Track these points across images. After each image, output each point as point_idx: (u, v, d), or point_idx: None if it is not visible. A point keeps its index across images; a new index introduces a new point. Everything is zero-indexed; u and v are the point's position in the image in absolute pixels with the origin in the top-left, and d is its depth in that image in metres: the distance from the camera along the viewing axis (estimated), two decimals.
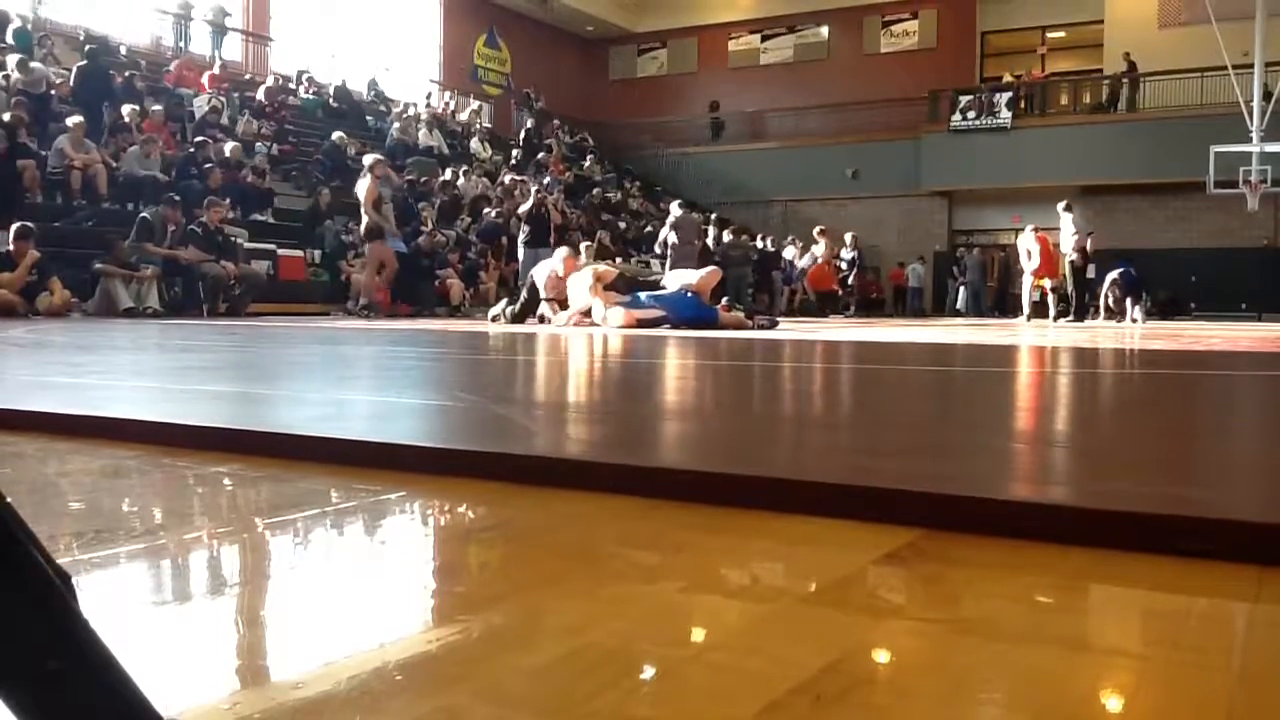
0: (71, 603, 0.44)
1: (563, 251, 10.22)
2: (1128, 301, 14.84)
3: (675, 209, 14.36)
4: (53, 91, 12.86)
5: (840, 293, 19.45)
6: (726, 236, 18.04)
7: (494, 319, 10.14)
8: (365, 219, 12.19)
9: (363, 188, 12.17)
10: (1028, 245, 14.38)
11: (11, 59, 12.63)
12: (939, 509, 1.14)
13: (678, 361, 4.48)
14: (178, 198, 11.52)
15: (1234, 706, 0.66)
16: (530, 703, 0.68)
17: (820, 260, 18.71)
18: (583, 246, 14.55)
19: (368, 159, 12.85)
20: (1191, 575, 0.96)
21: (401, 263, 14.05)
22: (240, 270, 11.83)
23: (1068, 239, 14.23)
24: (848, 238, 19.82)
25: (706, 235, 18.01)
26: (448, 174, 17.92)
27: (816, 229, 19.91)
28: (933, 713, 0.66)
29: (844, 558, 1.04)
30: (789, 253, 19.78)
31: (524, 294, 10.24)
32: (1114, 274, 15.20)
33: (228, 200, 12.51)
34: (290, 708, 0.65)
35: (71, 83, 13.52)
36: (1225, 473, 1.54)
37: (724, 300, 9.46)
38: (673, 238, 13.49)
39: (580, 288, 9.00)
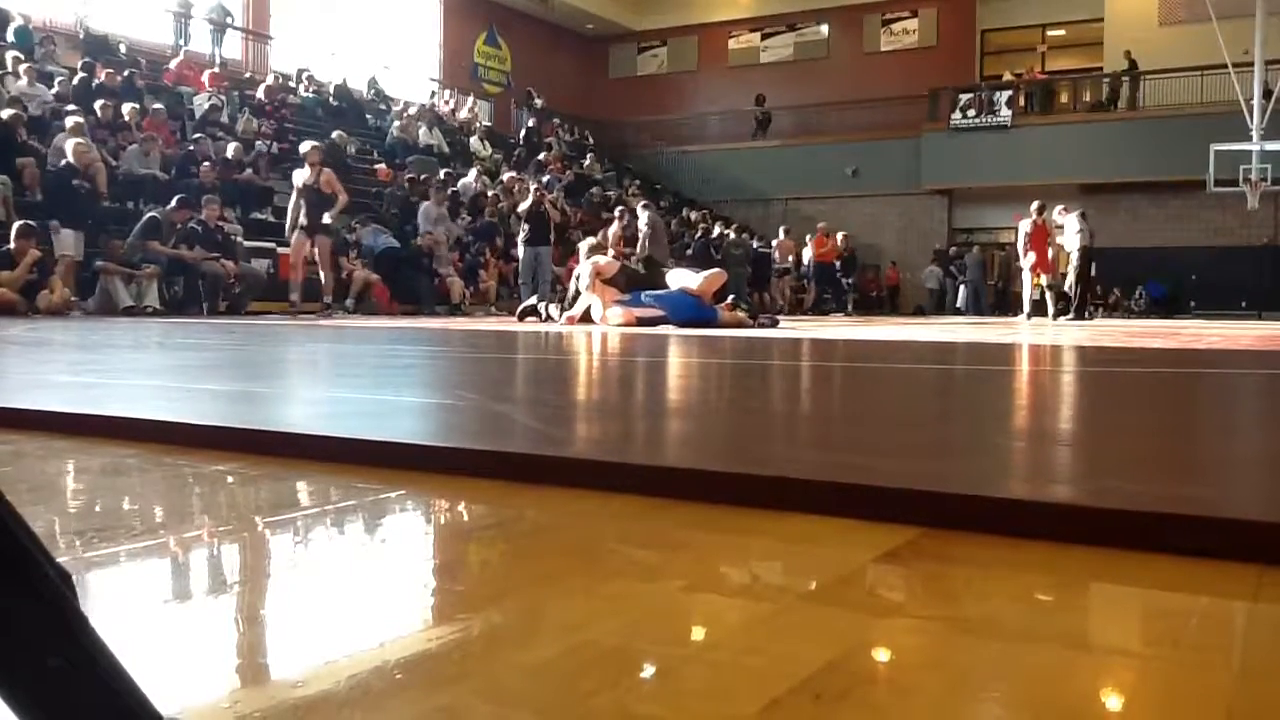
0: (72, 601, 0.44)
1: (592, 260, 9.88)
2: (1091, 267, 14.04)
3: (643, 214, 14.25)
4: (49, 103, 12.82)
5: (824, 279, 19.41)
6: (722, 235, 18.06)
7: (523, 315, 10.03)
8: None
9: (299, 178, 11.74)
10: (1023, 233, 14.28)
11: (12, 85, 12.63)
12: (939, 507, 1.14)
13: (678, 360, 4.48)
14: (186, 197, 11.52)
15: (1234, 706, 0.66)
16: (530, 701, 0.68)
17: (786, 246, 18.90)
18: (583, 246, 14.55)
19: (303, 146, 12.25)
20: (1191, 575, 0.96)
21: (399, 261, 14.05)
22: (240, 269, 11.83)
23: (1071, 237, 14.21)
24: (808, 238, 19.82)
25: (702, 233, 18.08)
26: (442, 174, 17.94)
27: (781, 228, 20.11)
28: (933, 711, 0.66)
29: (844, 556, 1.04)
30: (806, 253, 19.74)
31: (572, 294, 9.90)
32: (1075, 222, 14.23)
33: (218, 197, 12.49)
34: (290, 706, 0.65)
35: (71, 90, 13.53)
36: (1225, 472, 1.54)
37: (729, 299, 9.38)
38: (648, 243, 13.37)
39: (580, 283, 8.98)
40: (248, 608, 0.90)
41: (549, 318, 9.46)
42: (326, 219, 11.77)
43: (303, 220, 11.62)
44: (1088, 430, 2.13)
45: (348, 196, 11.93)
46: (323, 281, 11.88)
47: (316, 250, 11.69)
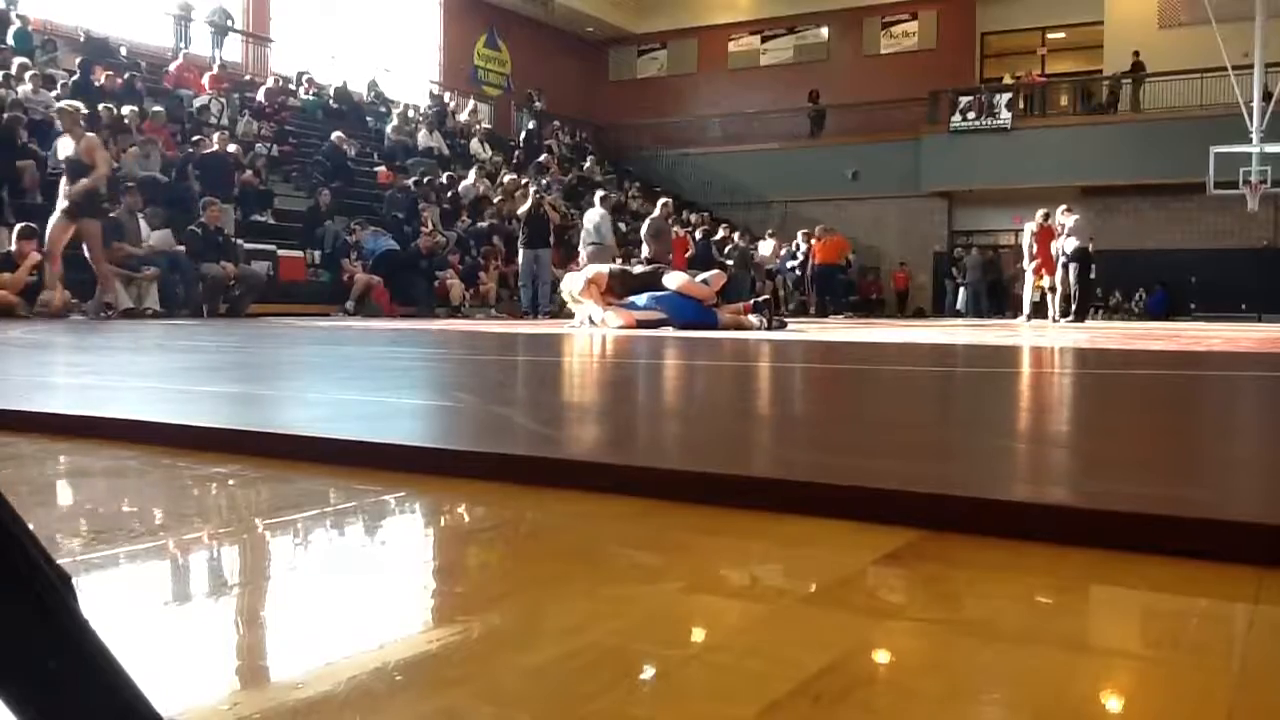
0: (71, 603, 0.44)
1: (590, 269, 9.50)
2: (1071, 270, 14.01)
3: (659, 209, 14.12)
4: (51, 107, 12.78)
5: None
6: (726, 238, 18.01)
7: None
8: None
9: (61, 150, 9.66)
10: (1029, 234, 14.43)
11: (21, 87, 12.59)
12: (939, 509, 1.14)
13: (678, 363, 4.48)
14: (131, 184, 11.32)
15: (1234, 707, 0.66)
16: (530, 703, 0.68)
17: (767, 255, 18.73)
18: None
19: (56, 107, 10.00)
20: (1191, 576, 0.96)
21: (399, 262, 14.04)
22: (240, 271, 11.84)
23: (1070, 239, 14.24)
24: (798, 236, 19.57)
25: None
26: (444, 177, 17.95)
27: (768, 231, 20.06)
28: (933, 713, 0.66)
29: (844, 558, 1.04)
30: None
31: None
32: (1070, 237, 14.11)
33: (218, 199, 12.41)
34: (290, 708, 0.65)
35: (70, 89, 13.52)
36: (1225, 473, 1.54)
37: (748, 302, 9.37)
38: (650, 248, 13.24)
39: (578, 290, 8.98)
40: (247, 609, 0.90)
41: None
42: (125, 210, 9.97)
43: (63, 201, 9.29)
44: (1088, 432, 2.13)
45: (109, 170, 9.81)
46: (98, 277, 9.58)
47: (84, 239, 9.35)
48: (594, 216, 13.43)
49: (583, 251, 12.92)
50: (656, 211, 13.92)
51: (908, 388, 3.55)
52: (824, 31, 27.17)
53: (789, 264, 19.35)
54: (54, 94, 13.12)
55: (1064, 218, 14.33)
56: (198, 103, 15.60)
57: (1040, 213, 14.44)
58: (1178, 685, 0.71)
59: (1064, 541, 1.05)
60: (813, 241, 18.86)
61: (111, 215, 10.81)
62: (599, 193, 14.94)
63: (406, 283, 13.99)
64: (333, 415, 2.23)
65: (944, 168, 22.91)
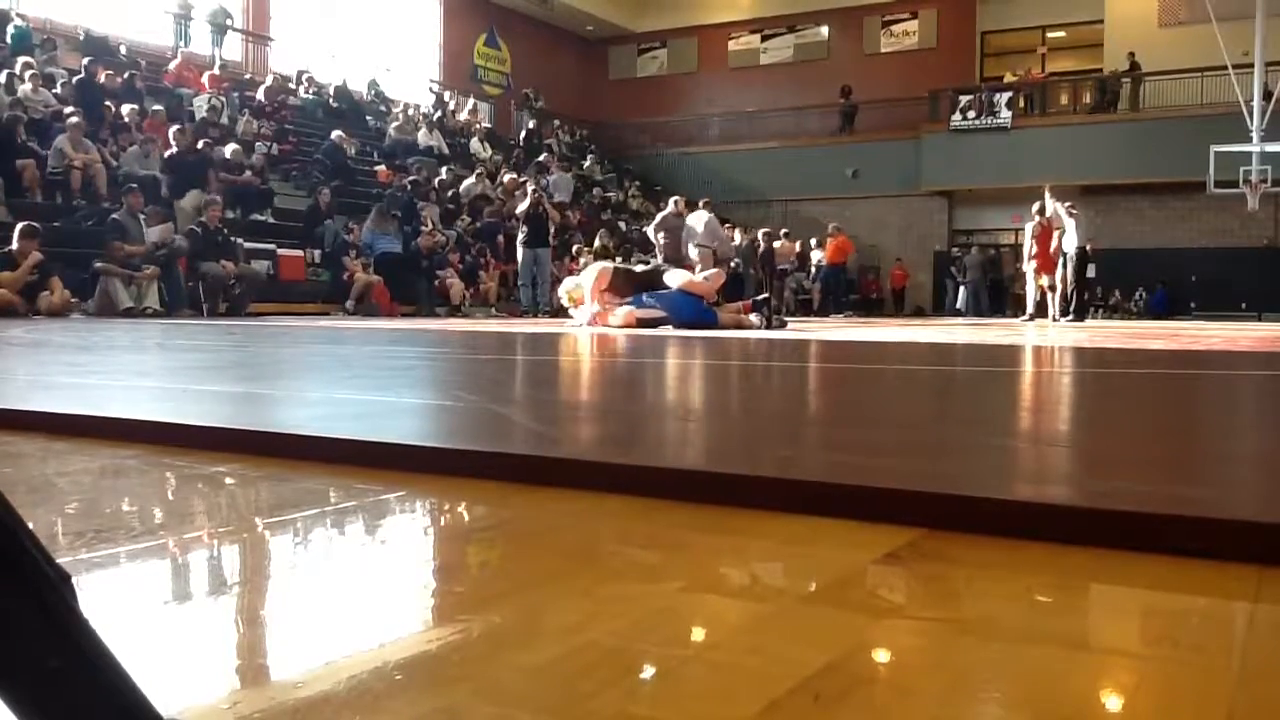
0: (71, 602, 0.44)
1: (596, 266, 9.46)
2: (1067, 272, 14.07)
3: (704, 212, 13.76)
4: (51, 106, 12.76)
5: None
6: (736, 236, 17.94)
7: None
8: None
9: None
10: (1030, 234, 14.44)
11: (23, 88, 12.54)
12: (939, 508, 1.14)
13: (678, 361, 4.48)
14: (135, 185, 11.37)
15: (1234, 706, 0.66)
16: (530, 702, 0.68)
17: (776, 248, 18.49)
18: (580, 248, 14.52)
19: None
20: (1191, 575, 0.96)
21: (399, 262, 14.04)
22: (240, 270, 11.83)
23: (1070, 238, 14.23)
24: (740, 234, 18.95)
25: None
26: (444, 173, 17.93)
27: (783, 230, 19.93)
28: (933, 712, 0.66)
29: (844, 557, 1.04)
30: (816, 255, 19.57)
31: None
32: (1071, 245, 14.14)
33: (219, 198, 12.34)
34: (290, 707, 0.65)
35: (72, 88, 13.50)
36: (1225, 472, 1.54)
37: (748, 301, 9.40)
38: (697, 245, 12.94)
39: (584, 288, 8.98)
40: (247, 609, 0.90)
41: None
42: None
43: None
44: (1087, 431, 2.13)
45: None
46: None
47: None
48: (699, 221, 13.16)
49: (692, 253, 12.65)
50: (701, 210, 13.72)
51: (907, 386, 3.55)
52: (824, 30, 27.17)
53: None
54: (54, 93, 13.12)
55: (1067, 216, 14.30)
56: (200, 104, 15.59)
57: (1034, 207, 14.38)
58: (1178, 684, 0.71)
59: (1064, 540, 1.05)
60: (776, 242, 18.61)
61: (114, 216, 10.84)
62: (702, 199, 14.56)
63: (407, 282, 13.99)
64: (332, 414, 2.23)
65: (944, 167, 22.91)
